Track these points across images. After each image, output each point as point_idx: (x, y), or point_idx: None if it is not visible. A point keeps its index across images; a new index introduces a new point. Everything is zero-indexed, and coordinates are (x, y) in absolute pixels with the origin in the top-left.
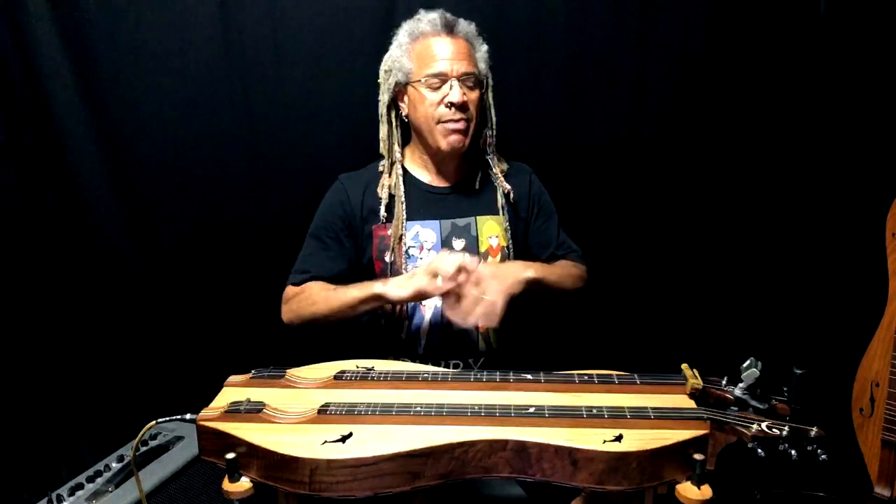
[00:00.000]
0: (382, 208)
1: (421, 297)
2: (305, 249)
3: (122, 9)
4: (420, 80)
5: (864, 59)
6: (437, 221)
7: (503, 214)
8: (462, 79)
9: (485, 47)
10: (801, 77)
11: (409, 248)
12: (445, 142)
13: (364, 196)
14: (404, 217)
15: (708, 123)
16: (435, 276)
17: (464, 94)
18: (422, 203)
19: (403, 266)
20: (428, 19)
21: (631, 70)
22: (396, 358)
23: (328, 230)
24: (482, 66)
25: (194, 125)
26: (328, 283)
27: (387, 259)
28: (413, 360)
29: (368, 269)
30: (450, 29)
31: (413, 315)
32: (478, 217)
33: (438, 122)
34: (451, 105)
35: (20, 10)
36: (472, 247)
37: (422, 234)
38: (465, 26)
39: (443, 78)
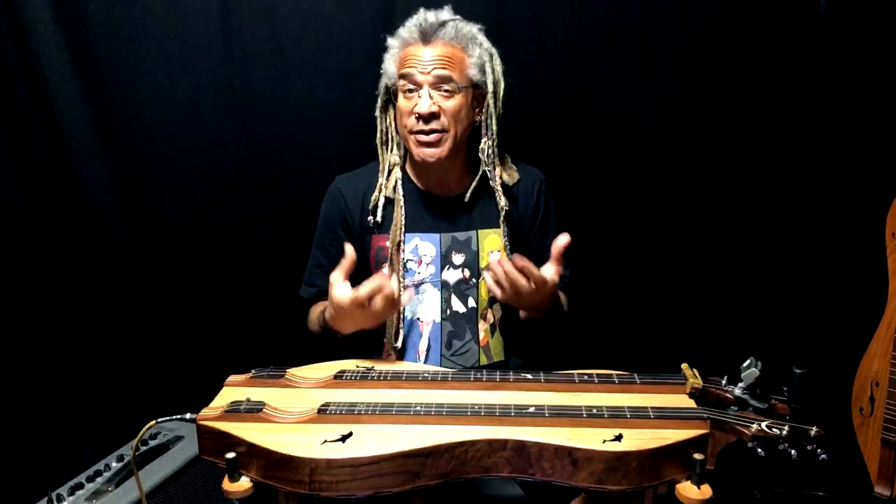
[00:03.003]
0: (379, 215)
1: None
2: (312, 260)
3: (123, 8)
4: (398, 87)
5: (863, 59)
6: (438, 235)
7: (503, 228)
8: (436, 86)
9: (478, 51)
10: (801, 77)
11: (406, 261)
12: (416, 153)
13: (363, 202)
14: (403, 223)
15: (708, 124)
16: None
17: (434, 103)
18: (422, 213)
19: (402, 283)
20: (410, 25)
21: (631, 71)
22: None
23: (330, 239)
24: (473, 71)
25: (194, 125)
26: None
27: (384, 271)
28: None
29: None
30: (426, 37)
31: (411, 332)
32: (479, 231)
33: (410, 131)
34: (419, 116)
35: (20, 9)
36: (473, 262)
37: (421, 247)
38: (453, 30)
39: (414, 86)
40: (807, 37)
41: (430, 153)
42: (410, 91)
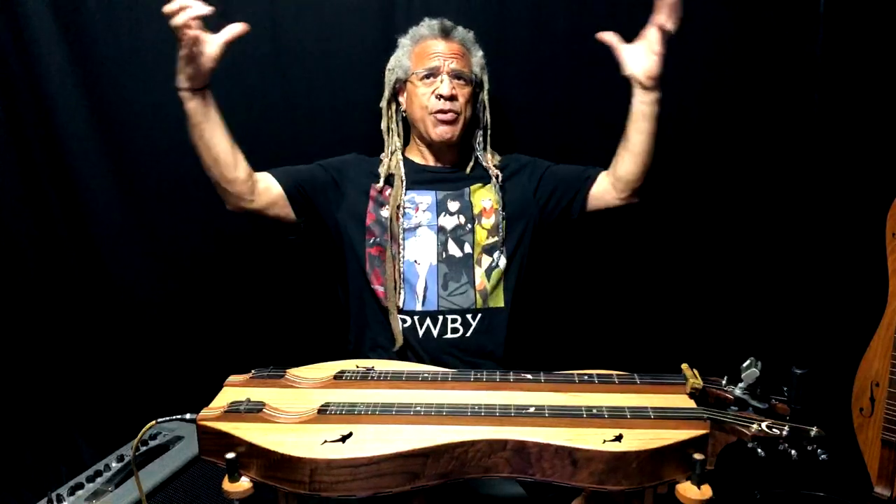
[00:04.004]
0: (381, 181)
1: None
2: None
3: (123, 9)
4: (416, 75)
5: (863, 59)
6: (433, 191)
7: (495, 187)
8: (453, 75)
9: (480, 53)
10: (801, 77)
11: (405, 209)
12: (435, 132)
13: (369, 176)
14: (403, 189)
15: (708, 123)
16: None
17: (453, 87)
18: (419, 177)
19: (401, 222)
20: (428, 25)
21: None
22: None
23: (313, 168)
24: (476, 69)
25: None
26: (273, 176)
27: (383, 213)
28: (411, 318)
29: (359, 221)
30: (446, 33)
31: (410, 274)
32: (471, 187)
33: (430, 112)
34: (440, 96)
35: (20, 10)
36: (467, 209)
37: (417, 198)
38: (463, 33)
39: (435, 72)
40: (807, 37)
41: (447, 129)
42: (429, 77)
